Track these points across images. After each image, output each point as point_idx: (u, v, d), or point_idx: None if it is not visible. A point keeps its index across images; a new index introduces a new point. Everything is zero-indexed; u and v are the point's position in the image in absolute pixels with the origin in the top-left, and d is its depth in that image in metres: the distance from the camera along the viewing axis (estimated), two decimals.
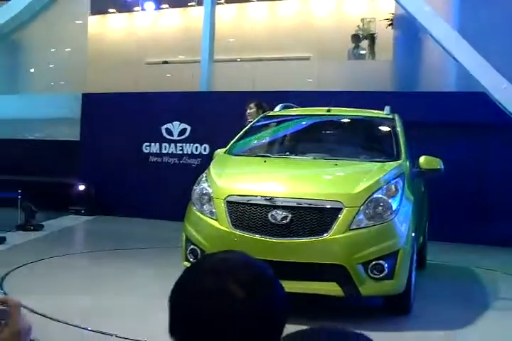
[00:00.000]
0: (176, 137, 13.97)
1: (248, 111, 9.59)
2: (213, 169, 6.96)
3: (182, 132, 13.86)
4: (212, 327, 1.41)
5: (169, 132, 14.03)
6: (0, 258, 9.02)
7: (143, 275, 8.21)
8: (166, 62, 17.36)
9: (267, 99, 10.43)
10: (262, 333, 1.44)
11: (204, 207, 6.49)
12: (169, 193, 13.21)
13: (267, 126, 8.19)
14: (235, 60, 16.97)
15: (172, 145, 14.00)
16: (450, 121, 11.28)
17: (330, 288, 6.04)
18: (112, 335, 5.49)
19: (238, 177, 6.88)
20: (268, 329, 1.45)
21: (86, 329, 5.67)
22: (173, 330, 1.50)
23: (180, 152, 13.92)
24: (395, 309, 6.52)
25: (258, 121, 8.26)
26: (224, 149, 7.71)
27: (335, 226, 6.00)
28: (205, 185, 6.66)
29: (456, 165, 10.10)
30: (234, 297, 1.41)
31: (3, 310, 1.58)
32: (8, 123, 16.72)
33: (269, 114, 8.43)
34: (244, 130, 8.07)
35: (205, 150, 13.60)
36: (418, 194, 7.49)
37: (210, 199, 6.48)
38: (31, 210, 11.94)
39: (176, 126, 13.92)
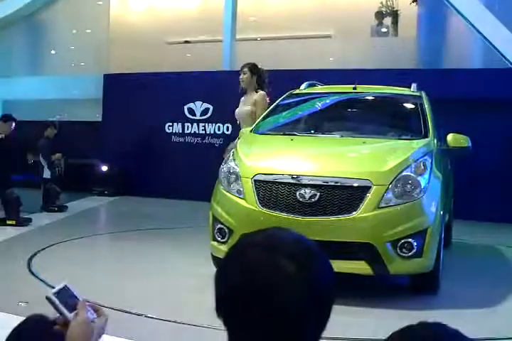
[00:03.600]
0: (198, 117, 13.96)
1: (241, 76, 8.94)
2: (240, 148, 6.90)
3: (204, 112, 13.85)
4: (261, 301, 1.38)
5: (192, 112, 14.02)
6: (26, 240, 9.08)
7: (169, 255, 8.20)
8: (187, 42, 17.28)
9: (290, 78, 10.36)
10: (312, 307, 1.41)
11: (231, 186, 6.44)
12: (192, 173, 13.22)
13: (292, 104, 8.11)
14: (255, 39, 16.86)
15: (194, 125, 14.00)
16: (477, 98, 11.17)
17: (359, 267, 6.00)
18: (142, 315, 5.49)
19: (265, 155, 6.80)
20: (318, 303, 1.42)
21: (113, 309, 5.66)
22: (219, 307, 1.48)
23: (203, 132, 13.91)
24: (424, 288, 6.47)
25: (284, 99, 8.19)
26: (250, 128, 7.66)
27: (363, 205, 5.94)
28: (232, 163, 6.61)
29: (483, 143, 10.01)
30: (284, 270, 1.39)
31: (91, 315, 1.65)
32: (30, 105, 16.78)
33: (295, 92, 8.35)
34: (269, 108, 8.01)
35: (227, 129, 13.59)
36: (445, 172, 7.41)
37: (237, 178, 6.42)
38: (55, 191, 12.00)
39: (198, 106, 13.91)
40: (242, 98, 9.06)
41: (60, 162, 12.45)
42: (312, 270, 1.43)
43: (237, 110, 8.96)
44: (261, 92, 8.78)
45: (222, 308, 1.47)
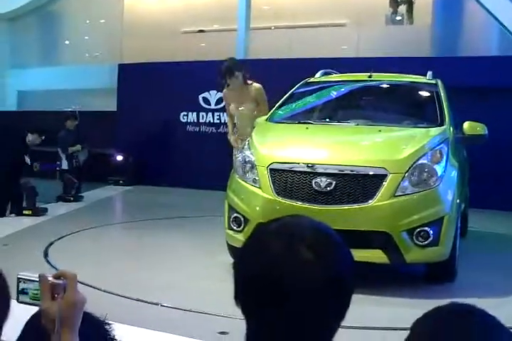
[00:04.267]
0: (213, 106, 13.94)
1: (232, 79, 8.59)
2: (255, 137, 6.89)
3: (219, 101, 13.80)
4: (279, 290, 1.37)
5: (206, 101, 14.00)
6: (42, 229, 9.11)
7: (184, 244, 8.21)
8: (201, 31, 17.25)
9: (304, 66, 10.30)
10: (331, 296, 1.40)
11: (247, 174, 6.43)
12: (207, 162, 13.21)
13: (307, 92, 8.08)
14: (269, 28, 16.79)
15: (209, 114, 13.98)
16: (494, 86, 11.08)
17: (375, 256, 5.98)
18: (157, 305, 5.50)
19: (281, 144, 6.78)
20: (337, 291, 1.40)
21: (128, 298, 5.68)
22: (238, 295, 1.47)
23: (218, 121, 13.89)
24: (440, 276, 6.45)
25: (299, 87, 8.15)
26: (265, 117, 7.64)
27: (380, 193, 5.91)
28: (247, 152, 6.59)
29: (498, 131, 9.93)
30: (302, 258, 1.38)
31: (58, 284, 1.57)
32: (45, 95, 16.84)
33: (310, 81, 8.32)
34: (285, 97, 7.98)
35: None
36: (461, 160, 7.36)
37: (252, 166, 6.41)
38: (71, 182, 12.04)
39: (213, 95, 13.88)
40: (228, 92, 8.92)
41: (78, 153, 12.53)
42: (331, 258, 1.41)
43: (234, 107, 8.83)
44: (258, 85, 8.71)
45: (241, 296, 1.46)
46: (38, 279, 1.60)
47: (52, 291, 1.59)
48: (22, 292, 1.63)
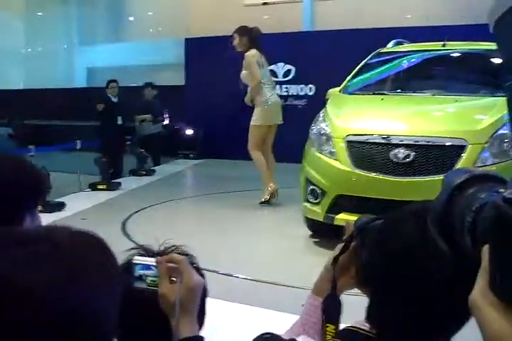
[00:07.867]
0: (280, 78, 13.89)
1: (233, 42, 9.14)
2: (330, 108, 6.85)
3: (287, 73, 13.78)
4: (410, 274, 1.38)
5: (274, 73, 13.92)
6: (118, 204, 9.26)
7: (258, 216, 8.26)
8: (265, 3, 17.14)
9: (371, 36, 10.18)
10: (464, 287, 1.37)
11: (323, 147, 6.41)
12: (276, 135, 13.18)
13: (380, 63, 7.98)
14: None
15: (277, 86, 13.90)
16: None
17: None
18: (237, 277, 5.56)
19: (357, 116, 6.73)
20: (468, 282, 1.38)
21: (209, 270, 5.72)
22: (368, 280, 1.48)
23: (286, 93, 13.84)
24: None
25: (371, 58, 8.07)
26: (338, 88, 7.58)
27: (459, 165, 5.81)
28: (323, 124, 6.56)
29: None
30: (434, 244, 1.36)
31: (175, 268, 1.58)
32: (113, 71, 17.01)
33: (382, 51, 8.21)
34: (357, 68, 7.91)
35: (310, 90, 13.50)
36: None
37: (328, 139, 6.38)
38: (143, 156, 12.19)
39: (280, 68, 13.84)
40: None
41: (146, 123, 12.82)
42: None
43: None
44: (246, 54, 8.88)
45: (370, 280, 1.47)
46: (155, 264, 1.62)
47: (170, 275, 1.60)
48: (139, 278, 1.64)
